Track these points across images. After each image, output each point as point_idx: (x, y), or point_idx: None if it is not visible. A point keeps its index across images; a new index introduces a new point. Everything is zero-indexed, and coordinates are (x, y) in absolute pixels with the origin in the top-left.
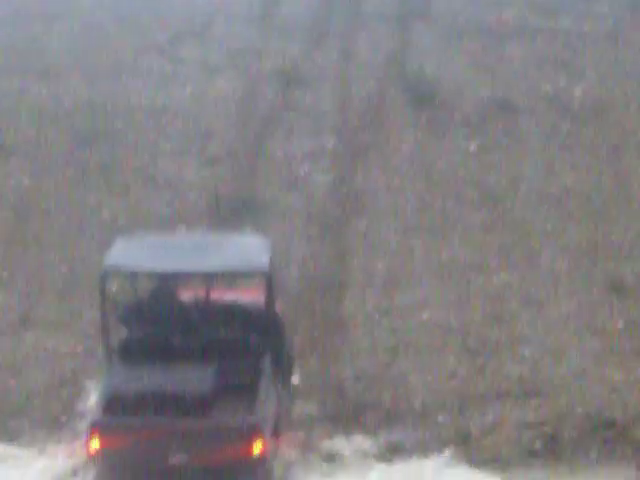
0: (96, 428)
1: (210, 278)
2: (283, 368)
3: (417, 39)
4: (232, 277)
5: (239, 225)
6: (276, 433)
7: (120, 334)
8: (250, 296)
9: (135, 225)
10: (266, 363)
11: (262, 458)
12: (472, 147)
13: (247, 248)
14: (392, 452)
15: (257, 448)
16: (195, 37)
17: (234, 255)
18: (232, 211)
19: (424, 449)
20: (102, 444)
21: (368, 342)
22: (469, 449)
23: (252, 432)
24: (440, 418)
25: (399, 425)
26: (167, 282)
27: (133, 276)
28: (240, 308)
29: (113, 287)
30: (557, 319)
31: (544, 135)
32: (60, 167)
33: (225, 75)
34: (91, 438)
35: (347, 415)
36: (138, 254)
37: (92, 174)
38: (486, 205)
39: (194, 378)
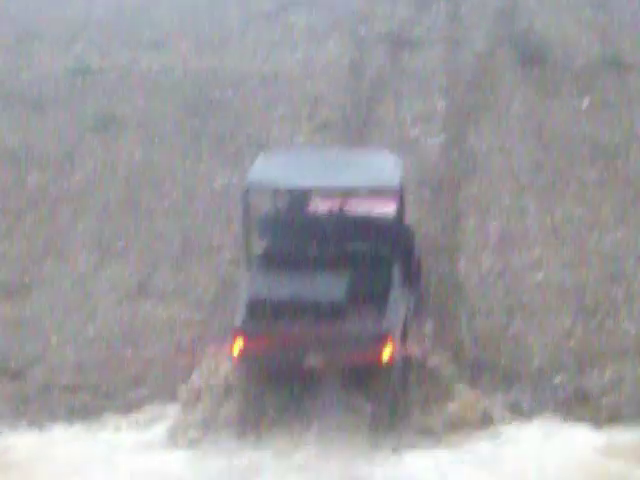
0: (239, 332)
1: (345, 193)
2: (412, 278)
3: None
4: (365, 192)
5: None
6: (404, 340)
7: (260, 246)
8: (381, 209)
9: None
10: (396, 273)
11: (390, 363)
12: (584, 104)
13: (380, 165)
14: (511, 412)
15: (386, 354)
16: (303, 3)
17: (368, 171)
18: None
19: (542, 409)
20: (244, 347)
21: (484, 303)
22: (589, 409)
23: (382, 339)
24: (558, 378)
25: (517, 385)
26: (305, 197)
27: (273, 192)
28: (372, 221)
29: (254, 202)
30: None
31: None
32: (171, 138)
33: (333, 40)
34: (234, 342)
35: (467, 374)
36: (278, 170)
37: (203, 144)
38: (599, 162)
39: (329, 286)
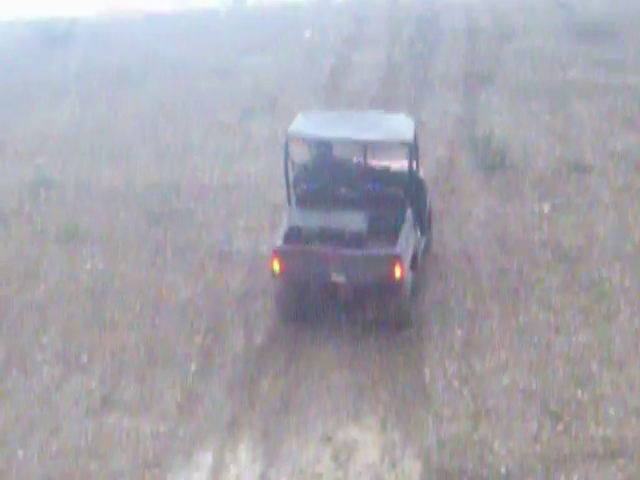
0: (277, 253)
1: (368, 145)
2: (423, 221)
3: (484, 102)
4: (385, 145)
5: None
6: (413, 266)
7: (298, 187)
8: (398, 164)
9: (210, 303)
10: (408, 213)
11: (401, 281)
12: (545, 209)
13: (398, 124)
14: None
15: (397, 273)
16: (262, 113)
17: (387, 128)
18: None
19: None
20: (282, 265)
21: (450, 408)
22: None
23: (394, 261)
24: None
25: None
26: (334, 147)
27: (308, 142)
28: (390, 171)
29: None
30: None
31: (616, 191)
32: (135, 249)
33: (293, 149)
34: (274, 260)
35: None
36: (313, 125)
37: (167, 254)
38: (562, 266)
39: (352, 219)
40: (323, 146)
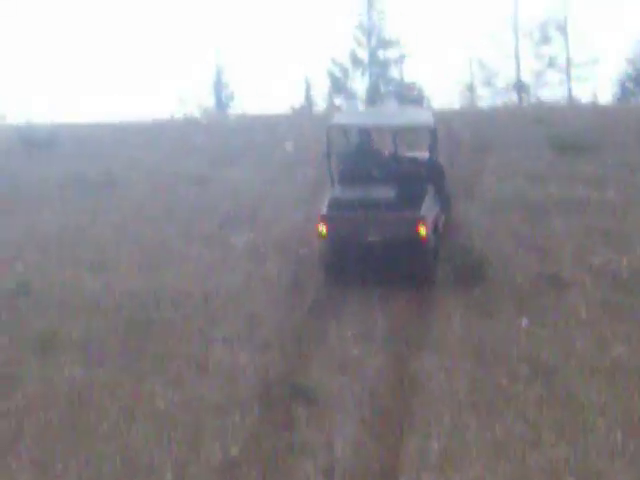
0: (323, 218)
1: (397, 130)
2: (442, 198)
3: (464, 216)
4: (411, 130)
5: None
6: (435, 230)
7: (338, 169)
8: (422, 153)
9: (187, 413)
10: (429, 187)
11: (425, 239)
12: (523, 323)
13: (421, 114)
14: None
15: (422, 231)
16: (242, 224)
17: (412, 117)
18: (285, 396)
19: None
20: (326, 229)
21: None
22: None
23: (419, 221)
24: None
25: None
26: (370, 134)
27: (348, 130)
28: (415, 156)
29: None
30: None
31: (594, 307)
32: (113, 358)
33: (272, 260)
34: (320, 225)
35: None
36: (351, 117)
37: (145, 364)
38: (539, 380)
39: (383, 192)
40: (360, 134)
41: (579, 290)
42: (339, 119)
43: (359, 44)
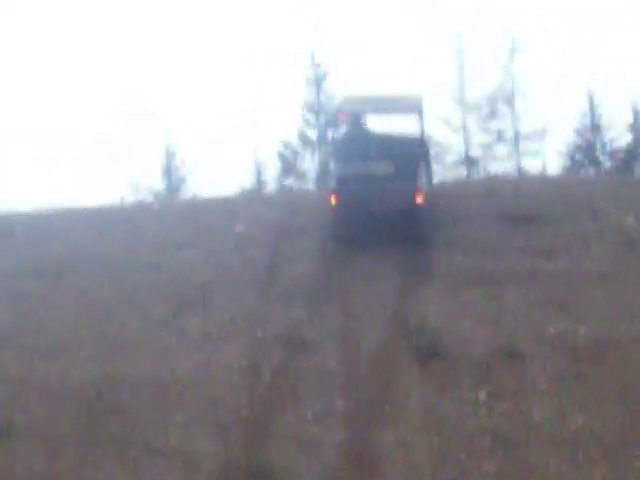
0: (334, 191)
1: (391, 113)
2: (429, 170)
3: (417, 293)
4: (400, 112)
5: None
6: (426, 198)
7: (341, 149)
8: (412, 133)
9: None
10: (421, 163)
11: (421, 206)
12: (481, 396)
13: (409, 99)
14: None
15: (419, 199)
16: (197, 308)
17: (402, 101)
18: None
19: None
20: (336, 200)
21: None
22: None
23: (417, 190)
24: None
25: None
26: (365, 118)
27: (345, 115)
28: (407, 135)
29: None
30: None
31: (552, 378)
32: (72, 446)
33: (229, 343)
34: (331, 197)
35: None
36: (351, 105)
37: (103, 450)
38: (500, 453)
39: (384, 166)
40: (358, 118)
41: (536, 362)
42: (340, 107)
43: (308, 124)
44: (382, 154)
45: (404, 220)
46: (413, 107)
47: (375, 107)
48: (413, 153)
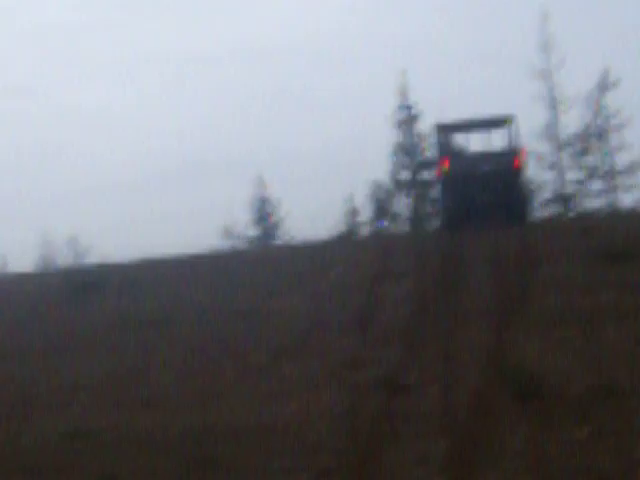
0: (446, 159)
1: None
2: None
3: (515, 331)
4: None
5: None
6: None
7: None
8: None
9: None
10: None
11: (519, 169)
12: (583, 434)
13: (500, 116)
14: None
15: (518, 162)
16: (295, 354)
17: (494, 119)
18: None
19: None
20: (448, 165)
21: None
22: None
23: (516, 156)
24: None
25: None
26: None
27: (452, 137)
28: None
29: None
30: None
31: None
32: None
33: (328, 388)
34: (441, 165)
35: None
36: (454, 122)
37: None
38: None
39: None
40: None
41: (637, 398)
42: (444, 122)
43: (401, 166)
44: (485, 160)
45: (505, 184)
46: (506, 122)
47: (474, 126)
48: (508, 152)
